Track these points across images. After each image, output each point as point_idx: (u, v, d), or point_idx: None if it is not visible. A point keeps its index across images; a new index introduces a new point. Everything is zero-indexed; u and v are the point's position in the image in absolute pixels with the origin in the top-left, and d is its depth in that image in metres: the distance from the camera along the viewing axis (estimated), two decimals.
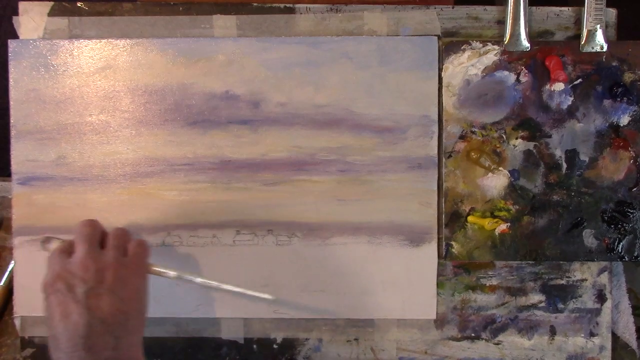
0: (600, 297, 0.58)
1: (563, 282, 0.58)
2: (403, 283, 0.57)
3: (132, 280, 0.48)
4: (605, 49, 0.56)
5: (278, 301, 0.57)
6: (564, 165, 0.56)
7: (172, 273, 0.52)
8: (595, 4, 0.56)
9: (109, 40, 0.58)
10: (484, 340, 0.58)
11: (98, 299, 0.45)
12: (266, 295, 0.54)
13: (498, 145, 0.56)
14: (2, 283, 0.60)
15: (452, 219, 0.57)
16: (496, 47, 0.56)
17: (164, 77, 0.57)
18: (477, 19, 0.58)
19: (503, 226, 0.56)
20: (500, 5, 0.58)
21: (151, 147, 0.58)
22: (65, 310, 0.45)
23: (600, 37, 0.56)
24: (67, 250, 0.49)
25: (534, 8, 0.57)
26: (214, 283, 0.53)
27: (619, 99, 0.56)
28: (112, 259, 0.48)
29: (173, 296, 0.58)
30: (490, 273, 0.58)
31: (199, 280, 0.53)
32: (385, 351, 0.58)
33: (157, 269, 0.52)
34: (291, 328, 0.59)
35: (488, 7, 0.58)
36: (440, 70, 0.57)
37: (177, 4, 0.58)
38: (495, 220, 0.56)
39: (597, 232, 0.56)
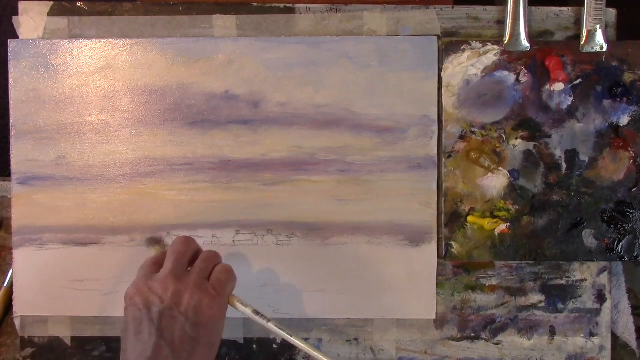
0: (600, 297, 0.58)
1: (563, 282, 0.58)
2: (403, 283, 0.57)
3: (208, 307, 0.46)
4: (605, 49, 0.56)
5: None
6: (564, 166, 0.56)
7: (248, 310, 0.49)
8: (595, 4, 0.56)
9: (109, 40, 0.58)
10: (483, 341, 0.58)
11: (171, 322, 0.44)
12: None
13: (498, 146, 0.57)
14: (6, 284, 0.60)
15: (451, 219, 0.57)
16: (496, 47, 0.56)
17: (164, 77, 0.57)
18: (477, 19, 0.58)
19: (503, 226, 0.56)
20: (500, 5, 0.58)
21: (151, 147, 0.58)
22: (138, 326, 0.44)
23: (600, 37, 0.56)
24: (158, 262, 0.49)
25: (533, 8, 0.57)
26: (286, 335, 0.48)
27: (618, 99, 0.56)
28: (193, 283, 0.46)
29: None
30: (490, 273, 0.58)
31: (272, 326, 0.48)
32: (385, 351, 0.59)
33: (236, 301, 0.49)
34: (291, 328, 0.58)
35: (488, 7, 0.58)
36: (440, 70, 0.57)
37: (177, 4, 0.58)
38: (495, 220, 0.56)
39: (597, 232, 0.56)
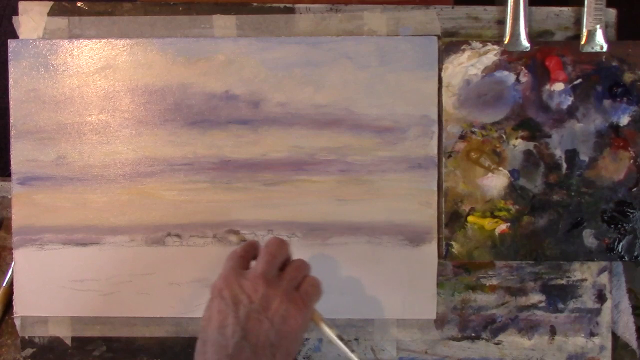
0: (600, 297, 0.58)
1: (563, 282, 0.58)
2: (403, 283, 0.57)
3: (294, 317, 0.45)
4: (605, 49, 0.56)
5: None
6: (564, 165, 0.56)
7: (330, 332, 0.48)
8: (595, 4, 0.56)
9: (109, 40, 0.58)
10: (484, 340, 0.58)
11: (256, 324, 0.44)
12: None
13: (498, 145, 0.57)
14: (5, 284, 0.60)
15: (452, 218, 0.57)
16: (496, 47, 0.56)
17: (164, 77, 0.57)
18: (477, 19, 0.58)
19: (503, 226, 0.56)
20: (500, 5, 0.58)
21: (151, 147, 0.58)
22: (223, 321, 0.44)
23: (600, 37, 0.56)
24: (248, 256, 0.49)
25: (533, 8, 0.57)
26: None
27: (618, 99, 0.56)
28: (283, 290, 0.46)
29: (173, 296, 0.58)
30: (490, 273, 0.58)
31: (354, 357, 0.48)
32: (385, 351, 0.58)
33: (319, 319, 0.49)
34: None
35: (488, 7, 0.58)
36: (440, 70, 0.57)
37: (177, 4, 0.58)
38: (495, 220, 0.56)
39: (597, 232, 0.56)
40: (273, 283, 0.46)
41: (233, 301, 0.44)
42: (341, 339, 0.48)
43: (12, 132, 0.58)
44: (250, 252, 0.49)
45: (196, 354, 0.44)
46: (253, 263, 0.49)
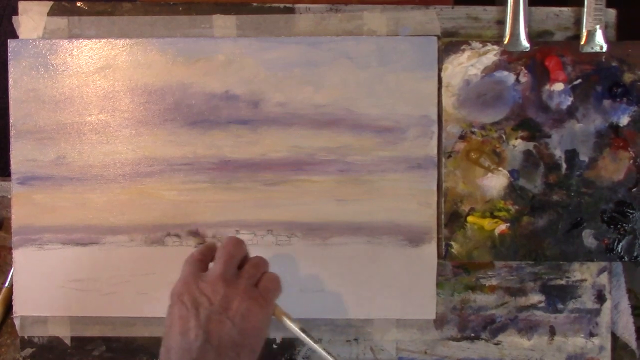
0: (600, 298, 0.58)
1: (563, 282, 0.58)
2: (403, 283, 0.57)
3: (255, 315, 0.45)
4: (604, 49, 0.56)
5: None
6: (564, 166, 0.56)
7: (294, 326, 0.48)
8: (595, 4, 0.56)
9: (109, 40, 0.58)
10: (483, 341, 0.58)
11: (218, 326, 0.44)
12: None
13: (498, 146, 0.56)
14: (6, 284, 0.60)
15: (451, 219, 0.57)
16: (496, 47, 0.56)
17: (164, 77, 0.57)
18: (477, 19, 0.58)
19: (503, 226, 0.56)
20: (500, 5, 0.58)
21: (151, 147, 0.58)
22: (185, 326, 0.44)
23: (600, 38, 0.56)
24: (206, 258, 0.49)
25: (533, 8, 0.57)
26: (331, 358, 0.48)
27: (618, 99, 0.56)
28: (242, 288, 0.46)
29: None
30: (489, 273, 0.58)
31: (318, 348, 0.48)
32: (384, 351, 0.58)
33: (281, 314, 0.49)
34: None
35: (488, 7, 0.58)
36: (439, 70, 0.57)
37: (177, 4, 0.58)
38: (495, 220, 0.56)
39: (597, 232, 0.56)
40: (232, 283, 0.46)
41: (193, 305, 0.44)
42: (304, 332, 0.48)
43: (12, 132, 0.58)
44: (207, 254, 0.49)
45: (160, 358, 0.45)
46: (211, 265, 0.49)
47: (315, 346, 0.48)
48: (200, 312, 0.44)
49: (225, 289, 0.45)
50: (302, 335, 0.48)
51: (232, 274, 0.47)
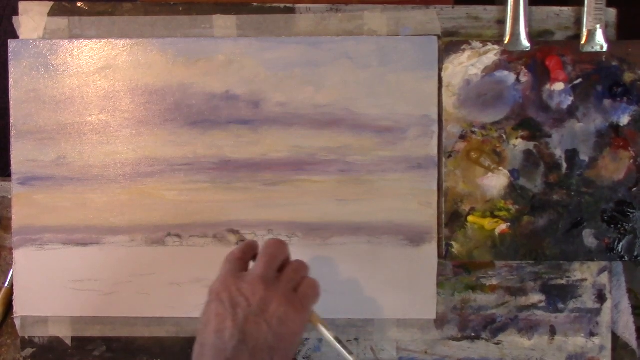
0: (600, 297, 0.58)
1: (563, 282, 0.58)
2: (403, 283, 0.57)
3: (292, 319, 0.45)
4: (605, 48, 0.56)
5: None
6: (564, 165, 0.56)
7: (329, 335, 0.48)
8: (595, 3, 0.56)
9: (109, 40, 0.58)
10: (484, 340, 0.58)
11: (254, 327, 0.43)
12: None
13: (498, 145, 0.56)
14: (6, 284, 0.60)
15: (452, 218, 0.57)
16: (496, 47, 0.56)
17: (164, 77, 0.57)
18: (477, 18, 0.58)
19: (503, 226, 0.56)
20: (500, 5, 0.58)
21: (151, 147, 0.58)
22: (221, 324, 0.43)
23: (600, 37, 0.56)
24: (246, 257, 0.48)
25: (534, 8, 0.57)
26: None
27: (619, 99, 0.56)
28: (281, 292, 0.45)
29: (173, 296, 0.58)
30: (490, 273, 0.58)
31: (346, 354, 0.48)
32: (385, 351, 0.58)
33: (317, 320, 0.48)
34: None
35: (488, 7, 0.58)
36: (440, 70, 0.57)
37: (177, 4, 0.58)
38: (495, 220, 0.56)
39: (597, 232, 0.56)
40: (272, 285, 0.45)
41: (231, 304, 0.44)
42: (339, 341, 0.48)
43: (13, 132, 0.58)
44: (248, 253, 0.49)
45: (194, 357, 0.44)
46: (251, 264, 0.48)
47: (349, 357, 0.48)
48: (237, 312, 0.44)
49: (265, 291, 0.45)
50: (336, 345, 0.48)
51: (272, 276, 0.46)
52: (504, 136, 0.56)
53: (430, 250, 0.57)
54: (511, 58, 0.56)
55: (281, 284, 0.46)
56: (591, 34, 0.56)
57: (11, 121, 0.58)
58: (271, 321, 0.44)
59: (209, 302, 0.46)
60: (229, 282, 0.46)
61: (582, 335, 0.58)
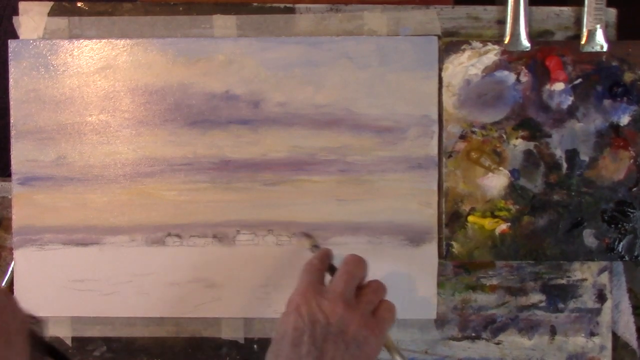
0: (601, 297, 0.58)
1: (563, 281, 0.58)
2: (403, 283, 0.57)
3: (370, 344, 0.44)
4: (605, 48, 0.56)
5: None
6: (564, 165, 0.56)
7: None
8: (595, 3, 0.56)
9: (109, 40, 0.58)
10: (484, 340, 0.58)
11: (333, 347, 0.43)
12: None
13: (498, 145, 0.56)
14: (4, 284, 0.60)
15: (452, 218, 0.57)
16: (496, 47, 0.56)
17: (164, 77, 0.57)
18: (477, 18, 0.58)
19: (503, 226, 0.56)
20: (500, 5, 0.58)
21: (151, 147, 0.58)
22: (298, 338, 0.43)
23: (600, 37, 0.56)
24: (323, 267, 0.48)
25: (534, 8, 0.57)
26: None
27: (619, 99, 0.56)
28: (360, 313, 0.45)
29: (173, 296, 0.58)
30: (490, 273, 0.58)
31: None
32: (385, 351, 0.58)
33: (392, 347, 0.48)
34: None
35: (488, 7, 0.58)
36: (440, 70, 0.57)
37: (177, 4, 0.58)
38: (496, 220, 0.56)
39: (598, 231, 0.56)
40: (351, 305, 0.45)
41: (310, 319, 0.44)
42: None
43: (13, 132, 0.58)
44: (326, 262, 0.49)
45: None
46: (327, 278, 0.48)
47: None
48: (316, 329, 0.43)
49: (344, 311, 0.44)
50: None
51: (351, 295, 0.46)
52: (504, 136, 0.56)
53: (431, 250, 0.57)
54: (511, 58, 0.56)
55: (360, 305, 0.46)
56: (591, 34, 0.56)
57: (11, 121, 0.58)
58: (350, 343, 0.43)
59: (287, 314, 0.45)
60: (309, 295, 0.45)
61: (583, 335, 0.58)
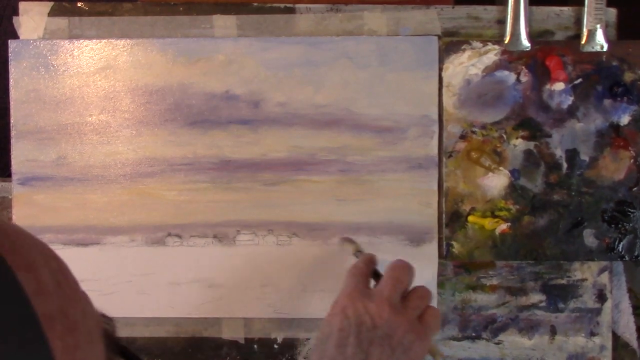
0: (601, 297, 0.58)
1: (563, 281, 0.58)
2: None
3: (415, 350, 0.44)
4: (605, 48, 0.56)
5: None
6: (565, 165, 0.56)
7: None
8: (596, 3, 0.55)
9: (109, 40, 0.58)
10: (484, 340, 0.58)
11: (379, 350, 0.43)
12: None
13: (498, 145, 0.56)
14: None
15: (452, 218, 0.57)
16: (496, 46, 0.56)
17: (164, 77, 0.57)
18: (477, 18, 0.58)
19: (503, 226, 0.56)
20: (500, 5, 0.58)
21: (151, 147, 0.58)
22: (344, 340, 0.43)
23: (600, 37, 0.56)
24: (369, 272, 0.48)
25: (534, 8, 0.57)
26: None
27: (619, 99, 0.56)
28: (407, 319, 0.44)
29: (173, 296, 0.58)
30: (490, 273, 0.58)
31: None
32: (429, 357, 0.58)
33: (437, 353, 0.48)
34: (292, 328, 0.59)
35: (488, 7, 0.58)
36: (440, 70, 0.57)
37: (177, 4, 0.58)
38: (496, 220, 0.56)
39: (598, 231, 0.56)
40: (397, 310, 0.45)
41: (356, 322, 0.43)
42: None
43: (13, 133, 0.58)
44: (371, 267, 0.49)
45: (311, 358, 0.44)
46: (372, 282, 0.48)
47: None
48: (362, 331, 0.43)
49: (391, 315, 0.44)
50: None
51: (397, 300, 0.46)
52: (504, 136, 0.56)
53: (431, 250, 0.57)
54: (511, 58, 0.56)
55: (407, 310, 0.45)
56: (591, 33, 0.56)
57: (11, 121, 0.58)
58: (396, 348, 0.43)
59: (331, 315, 0.45)
60: (355, 298, 0.45)
61: (583, 335, 0.58)
